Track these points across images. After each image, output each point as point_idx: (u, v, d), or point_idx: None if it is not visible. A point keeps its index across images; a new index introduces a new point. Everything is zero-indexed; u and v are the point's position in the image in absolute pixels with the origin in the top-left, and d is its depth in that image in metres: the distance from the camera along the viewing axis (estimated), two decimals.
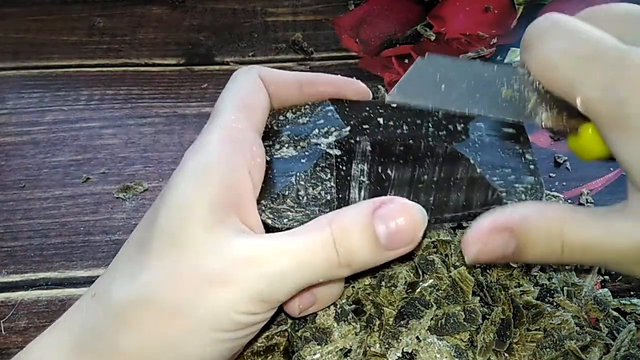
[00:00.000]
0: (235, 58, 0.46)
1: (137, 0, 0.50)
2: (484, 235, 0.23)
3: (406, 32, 0.48)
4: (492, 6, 0.49)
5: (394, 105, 0.29)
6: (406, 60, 0.46)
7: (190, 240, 0.22)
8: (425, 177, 0.26)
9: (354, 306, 0.29)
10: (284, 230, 0.24)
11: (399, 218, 0.22)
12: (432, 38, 0.47)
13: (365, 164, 0.27)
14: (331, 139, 0.27)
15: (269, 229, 0.25)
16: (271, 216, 0.25)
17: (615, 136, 0.22)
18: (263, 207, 0.25)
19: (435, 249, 0.32)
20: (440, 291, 0.29)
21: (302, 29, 0.48)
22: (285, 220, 0.25)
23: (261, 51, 0.47)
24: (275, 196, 0.25)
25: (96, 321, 0.22)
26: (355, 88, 0.29)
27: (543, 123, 0.25)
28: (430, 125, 0.28)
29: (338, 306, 0.29)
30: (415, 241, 0.23)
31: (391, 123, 0.28)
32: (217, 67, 0.46)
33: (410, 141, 0.27)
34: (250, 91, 0.27)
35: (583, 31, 0.23)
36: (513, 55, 0.46)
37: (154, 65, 0.46)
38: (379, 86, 0.43)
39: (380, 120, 0.28)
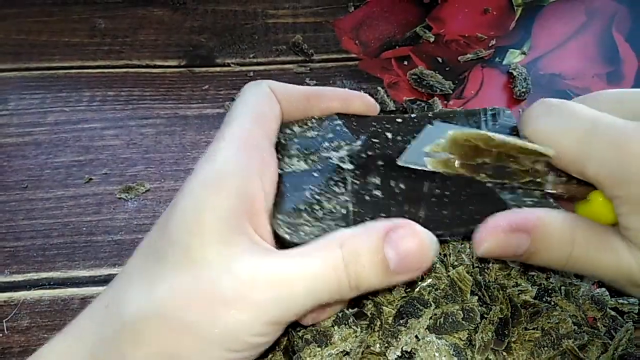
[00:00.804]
0: (236, 60, 0.46)
1: (138, 2, 0.50)
2: (500, 233, 0.24)
3: (406, 34, 0.48)
4: (491, 8, 0.50)
5: (400, 120, 0.29)
6: (405, 62, 0.46)
7: (206, 256, 0.22)
8: (437, 191, 0.27)
9: (355, 309, 0.30)
10: (300, 245, 0.24)
11: (410, 244, 0.22)
12: (432, 40, 0.47)
13: (378, 178, 0.27)
14: (342, 152, 0.28)
15: (284, 242, 0.25)
16: (288, 231, 0.25)
17: (619, 203, 0.23)
18: (279, 222, 0.25)
19: None
20: (439, 290, 0.30)
21: (303, 31, 0.48)
22: (302, 234, 0.25)
23: (262, 53, 0.47)
24: (291, 210, 0.25)
25: (109, 333, 0.22)
26: (363, 102, 0.30)
27: (553, 190, 0.26)
28: None
29: (339, 309, 0.29)
30: (425, 267, 0.23)
31: (399, 138, 0.28)
32: (218, 68, 0.46)
33: None
34: (262, 101, 0.27)
35: (580, 109, 0.24)
36: (512, 56, 0.46)
37: (155, 66, 0.46)
38: (379, 88, 0.44)
39: (389, 135, 0.29)
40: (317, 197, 0.26)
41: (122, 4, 0.50)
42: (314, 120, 0.29)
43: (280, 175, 0.27)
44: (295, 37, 0.47)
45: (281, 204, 0.26)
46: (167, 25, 0.49)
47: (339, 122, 0.29)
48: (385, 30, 0.48)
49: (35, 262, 0.35)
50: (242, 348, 0.22)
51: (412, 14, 0.50)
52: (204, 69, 0.46)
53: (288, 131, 0.29)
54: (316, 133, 0.29)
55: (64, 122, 0.42)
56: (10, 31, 0.48)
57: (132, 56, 0.46)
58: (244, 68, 0.46)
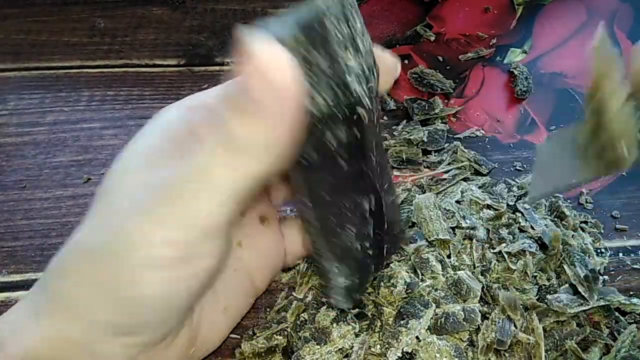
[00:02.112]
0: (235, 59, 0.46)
1: (137, 1, 0.50)
2: None
3: (406, 33, 0.48)
4: (492, 7, 0.49)
5: None
6: (406, 61, 0.46)
7: (124, 191, 0.23)
8: None
9: (356, 310, 0.29)
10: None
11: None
12: (432, 39, 0.47)
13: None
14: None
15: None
16: None
17: None
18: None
19: (432, 248, 0.32)
20: (439, 290, 0.29)
21: None
22: None
23: None
24: None
25: (44, 279, 0.24)
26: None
27: None
28: None
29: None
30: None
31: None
32: (217, 67, 0.46)
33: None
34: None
35: None
36: (513, 55, 0.46)
37: (154, 66, 0.46)
38: None
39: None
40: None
41: (121, 3, 0.50)
42: None
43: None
44: None
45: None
46: (166, 25, 0.49)
47: None
48: (385, 29, 0.48)
49: (33, 262, 0.35)
50: (159, 263, 0.22)
51: (412, 12, 0.49)
52: (203, 68, 0.45)
53: None
54: None
55: (63, 121, 0.42)
56: (9, 31, 0.48)
57: (132, 55, 0.46)
58: None
